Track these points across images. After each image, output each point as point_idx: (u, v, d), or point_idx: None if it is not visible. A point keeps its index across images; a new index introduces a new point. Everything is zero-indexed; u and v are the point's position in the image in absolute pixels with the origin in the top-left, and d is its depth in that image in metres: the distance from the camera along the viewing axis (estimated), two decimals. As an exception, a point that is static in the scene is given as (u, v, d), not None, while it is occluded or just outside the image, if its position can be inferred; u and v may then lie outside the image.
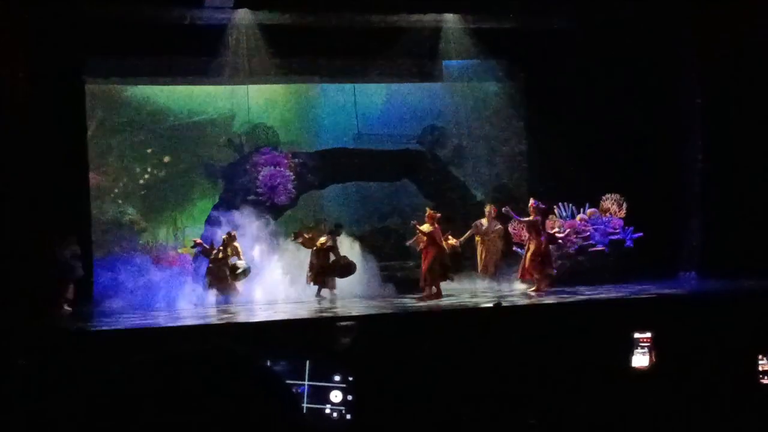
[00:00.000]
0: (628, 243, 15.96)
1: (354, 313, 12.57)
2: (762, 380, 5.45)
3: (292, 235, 15.54)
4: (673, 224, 16.59)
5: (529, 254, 14.44)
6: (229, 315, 13.14)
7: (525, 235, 15.25)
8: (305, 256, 15.20)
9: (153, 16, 15.28)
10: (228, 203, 17.10)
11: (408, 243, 15.65)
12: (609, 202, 16.39)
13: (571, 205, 16.39)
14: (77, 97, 15.55)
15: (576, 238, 15.89)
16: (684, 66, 16.75)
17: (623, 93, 16.50)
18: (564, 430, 5.08)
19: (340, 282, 15.10)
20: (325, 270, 14.91)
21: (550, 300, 13.28)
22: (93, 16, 14.68)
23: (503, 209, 15.05)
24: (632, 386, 5.72)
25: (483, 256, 15.84)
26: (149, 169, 19.52)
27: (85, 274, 14.08)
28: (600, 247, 15.87)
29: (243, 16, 15.96)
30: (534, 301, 13.40)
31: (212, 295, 14.33)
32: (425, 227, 14.27)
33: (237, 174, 17.95)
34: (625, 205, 16.28)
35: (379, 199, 19.59)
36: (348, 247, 15.60)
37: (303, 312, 13.20)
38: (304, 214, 18.46)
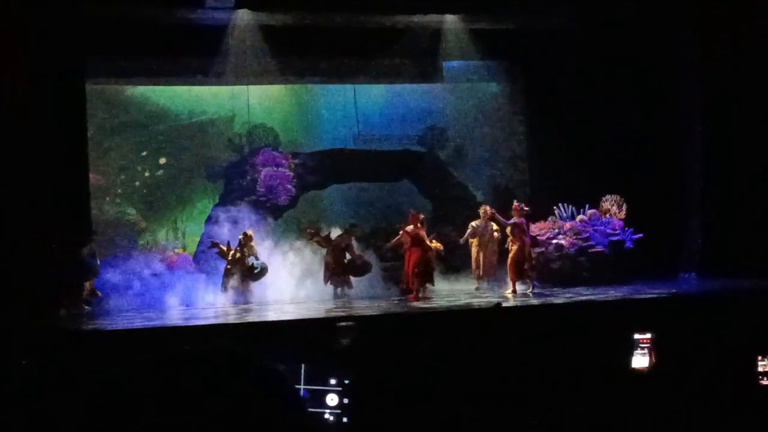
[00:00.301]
0: (628, 244, 15.95)
1: (358, 314, 12.56)
2: (761, 381, 5.45)
3: (308, 234, 15.52)
4: (673, 225, 16.59)
5: (511, 255, 14.45)
6: (228, 315, 13.13)
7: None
8: (306, 255, 15.24)
9: (153, 16, 15.28)
10: (228, 203, 17.11)
11: (388, 245, 15.50)
12: (609, 203, 16.38)
13: (571, 206, 16.38)
14: (77, 97, 15.55)
15: (576, 239, 15.89)
16: (684, 66, 16.75)
17: (623, 93, 16.52)
18: (564, 431, 5.08)
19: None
20: (342, 269, 14.95)
21: (550, 301, 13.27)
22: (93, 16, 14.69)
23: (489, 210, 15.13)
24: (632, 387, 5.72)
25: (478, 258, 15.70)
26: (149, 170, 19.52)
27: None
28: (600, 248, 15.86)
29: (243, 16, 15.96)
30: (535, 301, 13.39)
31: (229, 295, 14.38)
32: (409, 228, 14.33)
33: (237, 174, 17.97)
34: (625, 206, 16.27)
35: (379, 200, 19.59)
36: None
37: (307, 312, 13.19)
38: (303, 215, 18.45)
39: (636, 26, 16.29)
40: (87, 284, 14.11)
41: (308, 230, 15.62)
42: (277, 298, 14.68)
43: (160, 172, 19.54)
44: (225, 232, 15.59)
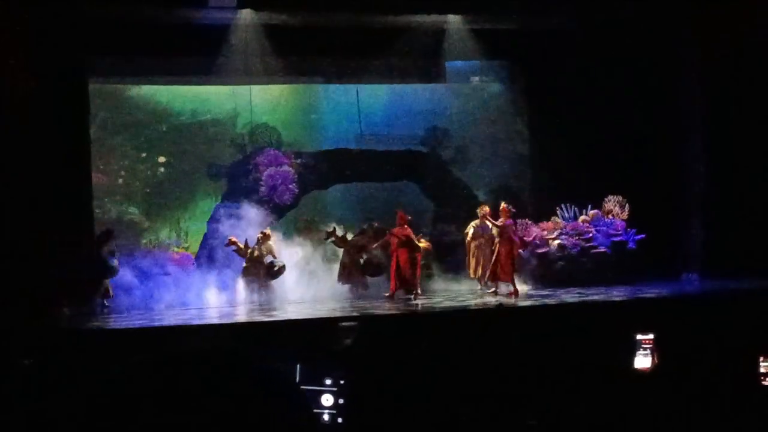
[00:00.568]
0: (631, 245, 15.95)
1: (358, 314, 12.58)
2: (763, 381, 5.45)
3: (325, 234, 15.56)
4: (675, 225, 16.58)
5: (498, 257, 14.40)
6: (227, 316, 13.15)
7: (533, 236, 15.35)
8: (307, 254, 15.25)
9: (156, 15, 15.28)
10: (230, 203, 17.11)
11: (373, 246, 15.38)
12: (611, 203, 16.38)
13: (573, 206, 16.38)
14: (80, 96, 15.55)
15: (578, 239, 15.89)
16: (684, 66, 16.74)
17: (624, 93, 16.50)
18: (566, 431, 5.08)
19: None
20: (358, 269, 14.97)
21: (552, 301, 13.27)
22: (95, 16, 14.69)
23: (485, 209, 15.12)
24: (634, 387, 5.72)
25: (478, 257, 15.50)
26: (151, 169, 19.52)
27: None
28: (602, 249, 15.86)
29: (246, 16, 15.96)
30: (536, 302, 13.38)
31: (247, 293, 14.46)
32: (396, 229, 14.41)
33: (239, 174, 17.96)
34: (627, 207, 16.27)
35: (381, 200, 19.57)
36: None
37: (306, 312, 13.19)
38: (306, 214, 18.44)
39: (636, 26, 16.28)
40: (105, 283, 14.27)
41: (326, 230, 15.68)
42: (281, 297, 14.72)
43: (163, 171, 19.53)
44: (227, 232, 15.58)
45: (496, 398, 4.75)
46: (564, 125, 16.83)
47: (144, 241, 18.55)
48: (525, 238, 15.33)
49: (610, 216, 16.31)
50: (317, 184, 18.29)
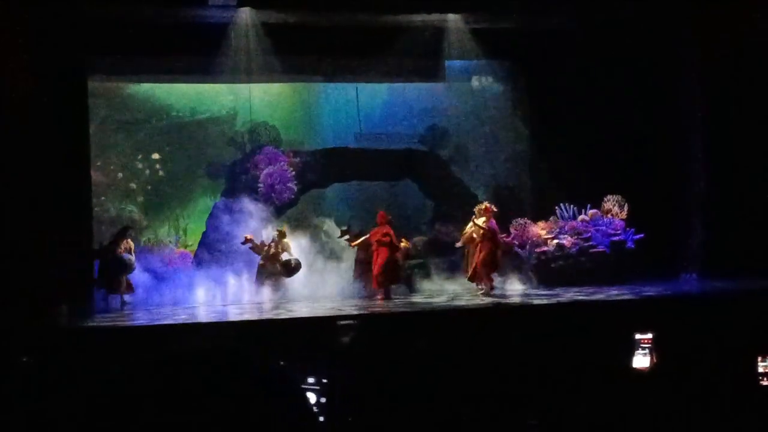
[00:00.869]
0: (630, 244, 15.95)
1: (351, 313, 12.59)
2: (762, 381, 5.45)
3: (340, 232, 15.72)
4: (674, 225, 16.59)
5: (480, 257, 14.39)
6: (224, 314, 13.15)
7: (528, 236, 15.31)
8: (308, 254, 15.28)
9: (156, 14, 15.29)
10: (229, 201, 17.11)
11: (352, 245, 15.47)
12: (610, 203, 16.38)
13: (572, 205, 16.38)
14: (79, 94, 15.54)
15: (577, 239, 15.89)
16: (684, 66, 16.74)
17: (624, 93, 16.51)
18: (564, 431, 5.08)
19: (340, 281, 15.18)
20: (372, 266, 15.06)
21: (551, 300, 13.28)
22: (95, 15, 14.70)
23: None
24: (633, 387, 5.72)
25: (470, 258, 15.30)
26: (151, 167, 19.52)
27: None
28: (601, 248, 15.86)
29: (246, 14, 15.97)
30: (536, 301, 13.39)
31: (264, 290, 14.59)
32: (377, 229, 14.52)
33: (239, 172, 17.96)
34: (626, 207, 16.27)
35: (380, 199, 19.57)
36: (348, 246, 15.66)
37: (303, 312, 13.19)
38: (305, 213, 18.44)
39: (636, 26, 16.29)
40: (123, 279, 14.52)
41: (340, 229, 15.94)
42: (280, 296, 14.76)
43: (162, 169, 19.54)
44: (226, 230, 15.60)
45: (496, 398, 4.75)
46: (564, 125, 16.83)
47: (143, 239, 18.55)
48: (506, 240, 15.31)
49: (609, 215, 16.31)
50: (316, 182, 18.29)
